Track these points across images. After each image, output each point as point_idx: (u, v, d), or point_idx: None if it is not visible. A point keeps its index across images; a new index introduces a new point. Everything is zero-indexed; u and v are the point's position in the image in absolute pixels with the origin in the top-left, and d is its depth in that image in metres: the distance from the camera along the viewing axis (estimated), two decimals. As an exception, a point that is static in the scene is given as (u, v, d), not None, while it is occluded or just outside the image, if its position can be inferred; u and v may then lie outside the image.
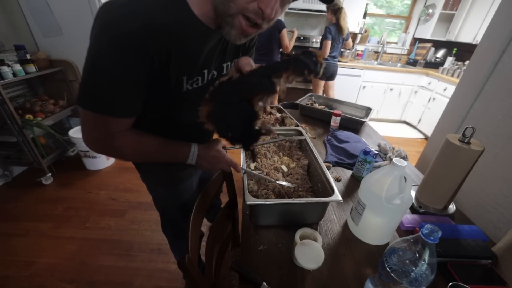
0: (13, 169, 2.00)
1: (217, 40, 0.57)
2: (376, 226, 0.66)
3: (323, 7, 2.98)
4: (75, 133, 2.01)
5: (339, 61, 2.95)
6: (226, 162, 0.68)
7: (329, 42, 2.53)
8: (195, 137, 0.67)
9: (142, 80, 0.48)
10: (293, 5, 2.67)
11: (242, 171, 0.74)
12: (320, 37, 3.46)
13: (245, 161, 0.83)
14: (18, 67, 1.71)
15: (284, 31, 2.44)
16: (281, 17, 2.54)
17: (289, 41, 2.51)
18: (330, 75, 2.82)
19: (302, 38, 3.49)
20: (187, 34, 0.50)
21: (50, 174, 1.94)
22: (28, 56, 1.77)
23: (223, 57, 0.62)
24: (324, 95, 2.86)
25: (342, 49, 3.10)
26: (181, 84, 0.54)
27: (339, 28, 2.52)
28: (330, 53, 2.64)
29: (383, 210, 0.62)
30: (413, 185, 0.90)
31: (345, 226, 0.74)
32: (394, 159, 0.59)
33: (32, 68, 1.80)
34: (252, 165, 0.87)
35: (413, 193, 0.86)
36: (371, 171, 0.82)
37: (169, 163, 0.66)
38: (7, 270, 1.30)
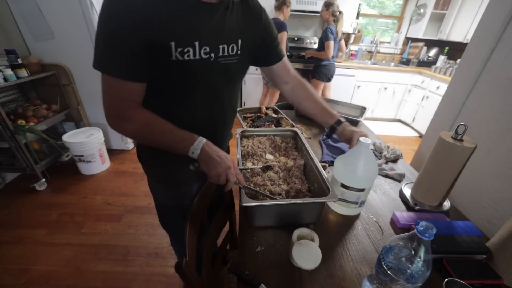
0: (5, 176, 1.96)
1: (209, 15, 0.57)
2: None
3: (317, 8, 3.00)
4: (69, 137, 1.98)
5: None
6: (228, 168, 0.62)
7: (332, 43, 2.53)
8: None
9: (138, 40, 0.50)
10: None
11: (242, 187, 0.67)
12: (315, 37, 3.51)
13: (241, 162, 0.83)
14: (9, 72, 1.69)
15: (280, 34, 2.39)
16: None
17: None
18: (330, 76, 2.82)
19: (296, 39, 3.52)
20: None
21: (44, 179, 1.91)
22: (20, 61, 1.75)
23: (219, 36, 0.60)
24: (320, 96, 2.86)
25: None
26: (169, 51, 0.53)
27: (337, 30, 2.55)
28: None
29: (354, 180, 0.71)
30: (408, 183, 0.91)
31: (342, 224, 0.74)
32: (360, 138, 0.69)
33: (23, 72, 1.78)
34: (249, 164, 0.87)
35: (408, 191, 0.88)
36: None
37: (173, 160, 0.68)
38: (0, 279, 1.27)
